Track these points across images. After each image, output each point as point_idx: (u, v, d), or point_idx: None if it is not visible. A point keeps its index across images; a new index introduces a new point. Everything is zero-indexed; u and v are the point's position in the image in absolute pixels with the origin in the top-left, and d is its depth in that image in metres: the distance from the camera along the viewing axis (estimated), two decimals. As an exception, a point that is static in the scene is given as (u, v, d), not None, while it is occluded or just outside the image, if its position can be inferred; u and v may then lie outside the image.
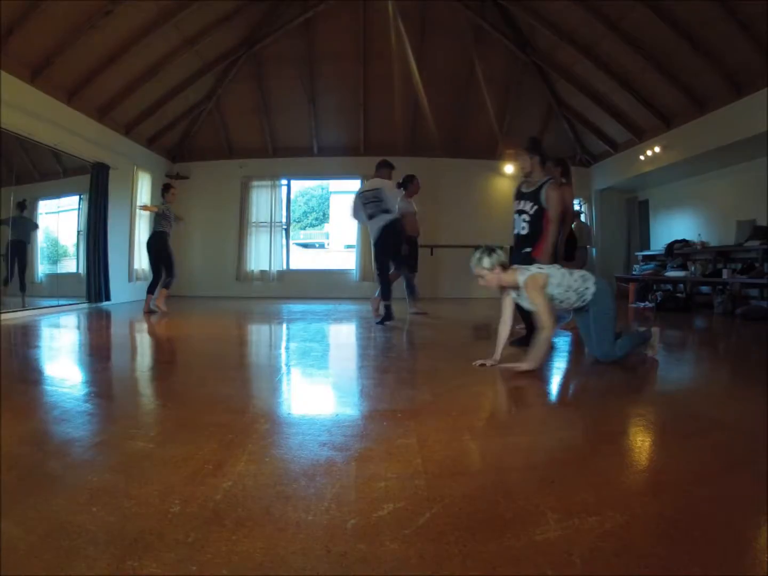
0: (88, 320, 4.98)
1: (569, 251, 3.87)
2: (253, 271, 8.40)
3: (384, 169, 4.66)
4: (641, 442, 1.52)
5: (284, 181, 8.69)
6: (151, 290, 5.44)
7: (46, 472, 1.22)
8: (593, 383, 2.45)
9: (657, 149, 6.68)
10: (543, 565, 0.85)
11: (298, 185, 14.30)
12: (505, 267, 2.42)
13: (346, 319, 5.05)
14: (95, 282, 6.13)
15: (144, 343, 3.97)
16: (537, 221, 2.98)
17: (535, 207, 2.98)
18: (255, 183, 8.44)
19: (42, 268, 6.73)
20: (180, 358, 2.92)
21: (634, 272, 7.53)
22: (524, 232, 3.05)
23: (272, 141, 8.31)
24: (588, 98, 7.18)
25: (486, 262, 2.40)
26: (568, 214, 3.54)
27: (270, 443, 1.44)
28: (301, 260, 13.68)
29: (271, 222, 8.42)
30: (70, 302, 6.02)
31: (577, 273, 2.53)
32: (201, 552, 0.88)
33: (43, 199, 6.59)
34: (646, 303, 6.36)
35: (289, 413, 1.84)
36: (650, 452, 1.44)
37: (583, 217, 7.98)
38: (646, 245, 8.24)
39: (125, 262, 7.02)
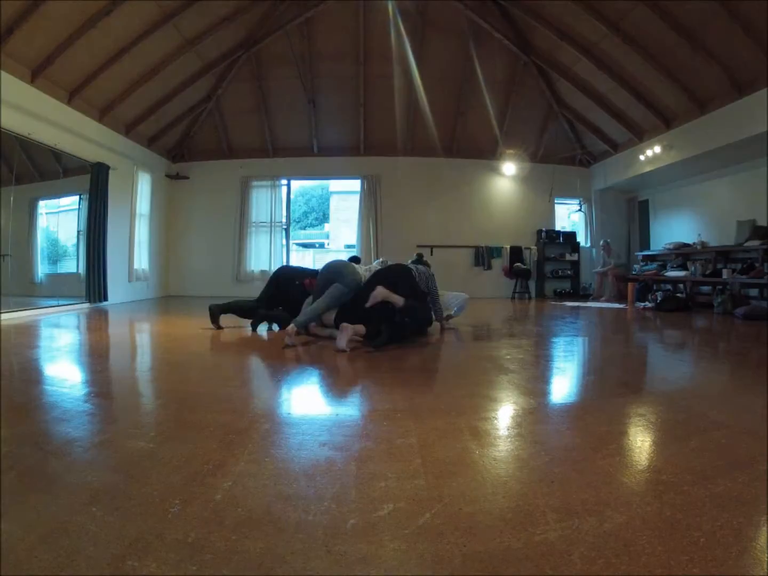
0: (87, 320, 4.98)
1: None
2: (253, 271, 8.41)
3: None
4: (641, 442, 1.52)
5: (284, 181, 8.70)
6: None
7: (46, 472, 1.22)
8: (593, 383, 2.45)
9: (657, 149, 6.69)
10: (543, 565, 0.85)
11: (298, 185, 14.31)
12: None
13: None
14: (95, 282, 6.13)
15: (143, 343, 3.97)
16: None
17: None
18: (255, 183, 8.45)
19: (42, 268, 6.74)
20: (179, 358, 2.92)
21: (633, 272, 7.54)
22: None
23: (272, 141, 8.32)
24: (588, 98, 7.18)
25: None
26: None
27: (270, 443, 1.44)
28: (301, 260, 13.70)
29: (271, 222, 8.42)
30: (70, 302, 6.02)
31: None
32: (201, 552, 0.88)
33: (43, 199, 6.60)
34: (646, 303, 6.36)
35: (289, 413, 1.84)
36: (650, 452, 1.44)
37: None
38: (646, 245, 8.24)
39: (125, 262, 7.02)
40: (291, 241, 9.27)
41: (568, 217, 9.23)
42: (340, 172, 9.02)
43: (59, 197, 6.90)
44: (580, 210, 8.95)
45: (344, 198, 16.13)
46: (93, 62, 5.49)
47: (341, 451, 1.38)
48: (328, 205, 17.76)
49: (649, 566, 0.84)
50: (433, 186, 8.48)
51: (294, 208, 12.42)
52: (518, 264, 8.37)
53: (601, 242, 7.85)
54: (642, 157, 7.03)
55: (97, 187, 6.12)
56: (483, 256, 8.42)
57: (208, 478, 1.18)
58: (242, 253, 8.39)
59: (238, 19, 6.37)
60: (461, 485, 1.16)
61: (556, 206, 8.91)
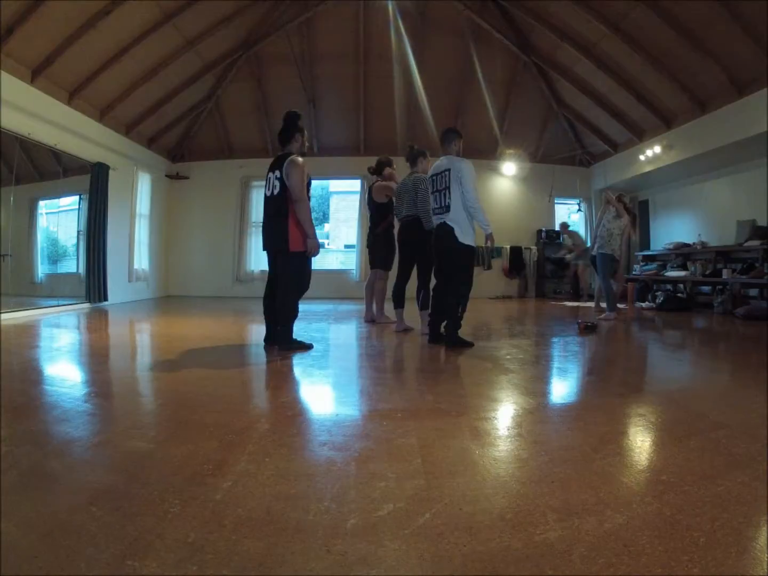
0: (87, 321, 4.98)
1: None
2: (253, 271, 8.40)
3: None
4: (641, 442, 1.52)
5: (284, 181, 8.68)
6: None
7: (46, 472, 1.22)
8: (594, 383, 2.45)
9: (657, 149, 6.68)
10: (543, 565, 0.85)
11: (298, 185, 14.27)
12: None
13: (345, 319, 5.05)
14: (95, 282, 6.13)
15: (143, 343, 3.97)
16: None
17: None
18: (255, 183, 8.44)
19: (42, 268, 6.74)
20: (179, 358, 2.92)
21: (634, 272, 7.54)
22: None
23: (272, 141, 8.31)
24: (588, 98, 7.18)
25: None
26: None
27: (270, 443, 1.44)
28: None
29: (271, 222, 8.41)
30: (70, 302, 6.01)
31: None
32: (201, 552, 0.88)
33: (43, 199, 6.59)
34: (646, 303, 6.36)
35: (289, 413, 1.84)
36: (650, 452, 1.44)
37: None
38: (646, 245, 8.23)
39: (125, 262, 7.02)
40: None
41: (568, 217, 9.22)
42: (340, 172, 9.00)
43: (59, 197, 6.89)
44: (579, 210, 8.95)
45: (344, 198, 16.11)
46: (93, 62, 5.49)
47: (341, 451, 1.38)
48: (328, 205, 17.73)
49: (649, 566, 0.84)
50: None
51: (294, 208, 12.37)
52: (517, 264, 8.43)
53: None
54: (642, 157, 7.03)
55: (97, 187, 6.11)
56: (483, 256, 8.42)
57: (208, 478, 1.18)
58: (242, 253, 8.39)
59: (238, 19, 6.37)
60: (461, 485, 1.16)
61: (556, 206, 8.90)
